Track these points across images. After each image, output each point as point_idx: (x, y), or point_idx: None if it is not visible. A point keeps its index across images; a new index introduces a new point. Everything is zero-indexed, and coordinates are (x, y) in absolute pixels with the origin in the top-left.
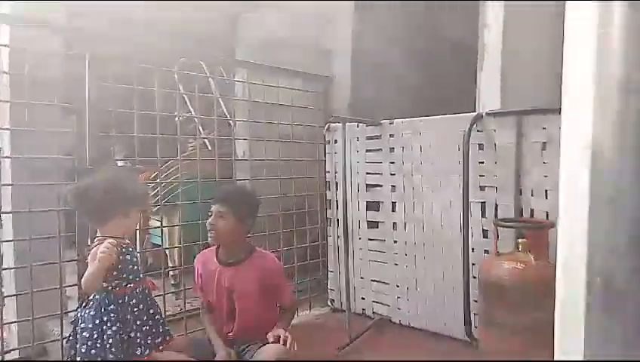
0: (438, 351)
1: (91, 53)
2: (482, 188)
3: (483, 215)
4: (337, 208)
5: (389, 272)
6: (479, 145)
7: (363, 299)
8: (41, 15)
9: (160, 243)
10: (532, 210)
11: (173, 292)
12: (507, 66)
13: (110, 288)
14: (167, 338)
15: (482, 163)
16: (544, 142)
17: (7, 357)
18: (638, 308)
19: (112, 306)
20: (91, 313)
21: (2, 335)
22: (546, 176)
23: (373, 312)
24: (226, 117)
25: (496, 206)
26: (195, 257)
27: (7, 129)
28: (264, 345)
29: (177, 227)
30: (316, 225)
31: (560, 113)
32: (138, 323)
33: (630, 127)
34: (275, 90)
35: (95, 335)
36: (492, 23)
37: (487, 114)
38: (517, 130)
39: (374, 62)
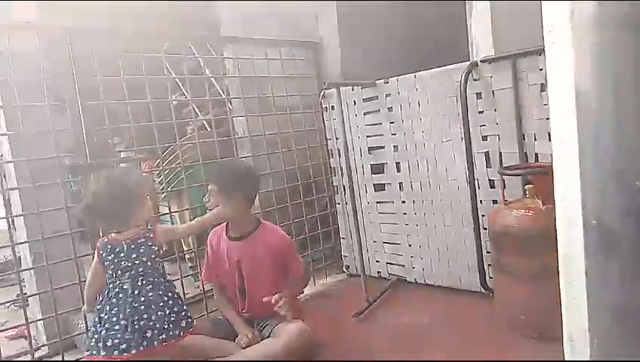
0: (455, 305)
1: (74, 49)
2: (485, 137)
3: (488, 165)
4: (342, 175)
5: (401, 232)
6: (477, 93)
7: (377, 261)
8: (20, 15)
9: None
10: (537, 155)
11: (191, 275)
12: (497, 8)
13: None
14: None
15: (482, 112)
16: (542, 84)
17: (37, 354)
18: (631, 248)
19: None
20: (158, 292)
21: (30, 333)
22: (547, 119)
23: (389, 274)
24: (220, 96)
25: (500, 154)
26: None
27: (4, 134)
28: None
29: (187, 211)
30: (323, 193)
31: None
32: (175, 303)
33: (607, 63)
34: (265, 62)
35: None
36: None
37: (482, 61)
38: (513, 74)
39: (362, 22)
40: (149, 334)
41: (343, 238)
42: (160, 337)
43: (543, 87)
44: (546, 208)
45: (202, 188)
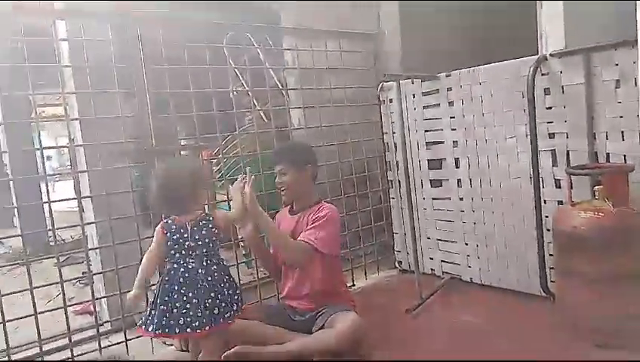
0: (513, 308)
1: (143, 38)
2: (551, 135)
3: (554, 164)
4: (398, 169)
5: (457, 230)
6: (545, 89)
7: (431, 258)
8: (91, 4)
9: None
10: (608, 154)
11: (244, 262)
12: (570, 2)
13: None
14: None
15: (550, 108)
16: (617, 80)
17: (101, 329)
18: None
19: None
20: (218, 275)
21: (95, 309)
22: (621, 117)
23: (443, 272)
24: (279, 87)
25: (568, 153)
26: None
27: (76, 119)
28: (336, 313)
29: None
30: (378, 187)
31: (634, 46)
32: (232, 284)
33: None
34: (324, 54)
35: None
36: None
37: (552, 55)
38: (586, 70)
39: (424, 13)
40: (216, 311)
41: (397, 233)
42: (226, 315)
43: (618, 84)
44: (617, 210)
45: (258, 177)
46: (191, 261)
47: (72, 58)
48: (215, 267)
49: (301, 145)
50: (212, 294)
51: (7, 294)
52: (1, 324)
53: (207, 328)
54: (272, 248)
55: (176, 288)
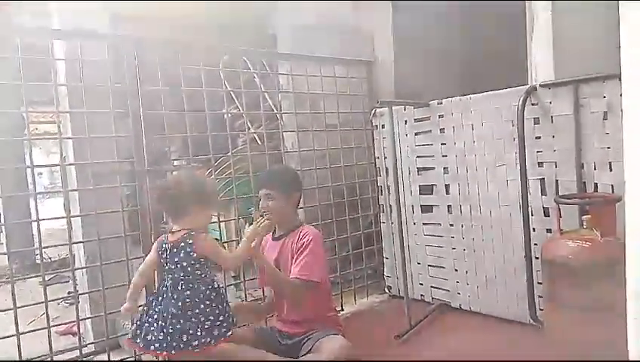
0: (502, 336)
1: (140, 58)
2: (540, 164)
3: (543, 192)
4: (389, 194)
5: (447, 256)
6: (534, 119)
7: (421, 284)
8: (89, 25)
9: (219, 238)
10: (596, 185)
11: (233, 284)
12: (559, 33)
13: (204, 276)
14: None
15: (539, 138)
16: (605, 112)
17: (84, 351)
18: None
19: (208, 292)
20: (195, 299)
21: (79, 330)
22: (609, 148)
23: (432, 298)
24: (273, 110)
25: (557, 182)
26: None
27: (68, 138)
28: (323, 337)
29: (234, 221)
30: (369, 212)
31: (621, 79)
32: (213, 311)
33: None
34: (319, 79)
35: (203, 318)
36: None
37: (542, 85)
38: (574, 101)
39: (418, 41)
40: (183, 338)
41: (387, 258)
42: (192, 343)
43: (606, 115)
44: (604, 240)
45: (250, 198)
46: (168, 283)
47: (69, 76)
48: (188, 292)
49: (290, 172)
50: (181, 320)
51: None
52: None
53: (166, 352)
54: (266, 284)
55: (153, 305)
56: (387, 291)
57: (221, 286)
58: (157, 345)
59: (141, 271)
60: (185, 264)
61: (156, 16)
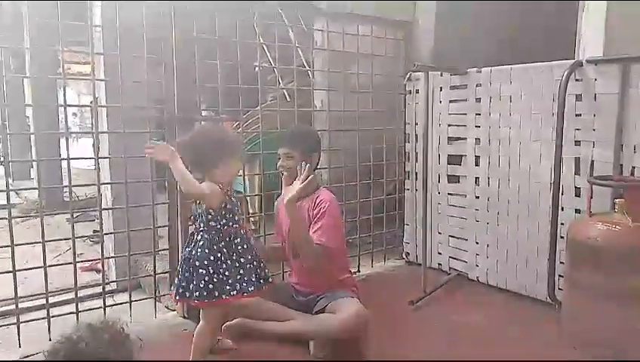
0: (517, 311)
1: (175, 5)
2: (577, 142)
3: (577, 172)
4: (416, 161)
5: (469, 228)
6: (577, 95)
7: (440, 253)
8: None
9: (242, 191)
10: (633, 168)
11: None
12: (613, 10)
13: (219, 227)
14: (270, 280)
15: (579, 115)
16: None
17: (107, 288)
18: None
19: (222, 244)
20: (205, 250)
21: (103, 267)
22: None
23: (450, 268)
24: (305, 67)
25: (592, 162)
26: (274, 204)
27: (101, 80)
28: (339, 298)
29: (258, 175)
30: (394, 177)
31: None
32: (242, 261)
33: None
34: (355, 38)
35: (212, 271)
36: None
37: (588, 61)
38: (621, 80)
39: (461, 7)
40: (191, 287)
41: (407, 225)
42: (215, 293)
43: None
44: (635, 226)
45: (275, 155)
46: (199, 230)
47: (104, 19)
48: (202, 242)
49: (311, 133)
50: (190, 269)
51: (19, 244)
52: (12, 273)
53: (197, 301)
54: (286, 240)
55: (187, 254)
56: (405, 257)
57: (247, 241)
58: (180, 292)
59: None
60: (202, 215)
61: None
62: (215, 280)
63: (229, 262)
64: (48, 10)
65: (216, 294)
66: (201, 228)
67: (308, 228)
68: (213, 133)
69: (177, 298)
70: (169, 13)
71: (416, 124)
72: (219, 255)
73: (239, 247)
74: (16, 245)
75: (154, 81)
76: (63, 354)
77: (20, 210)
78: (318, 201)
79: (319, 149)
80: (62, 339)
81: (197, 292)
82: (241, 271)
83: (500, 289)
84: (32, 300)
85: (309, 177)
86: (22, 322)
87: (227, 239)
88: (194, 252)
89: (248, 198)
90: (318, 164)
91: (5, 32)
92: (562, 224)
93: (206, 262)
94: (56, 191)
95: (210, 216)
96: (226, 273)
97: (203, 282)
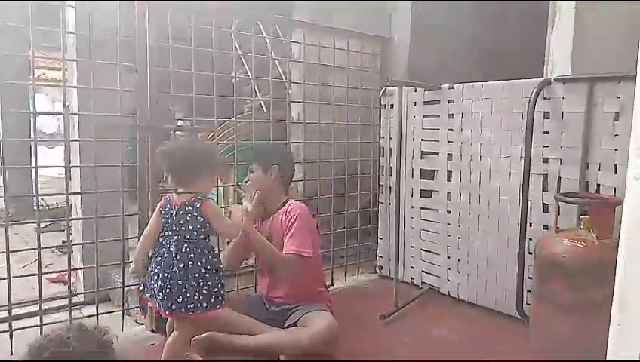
0: (486, 326)
1: (151, 13)
2: (545, 159)
3: (544, 188)
4: (390, 175)
5: (441, 243)
6: (545, 113)
7: (412, 268)
8: None
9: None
10: (598, 185)
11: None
12: (581, 30)
13: (207, 240)
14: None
15: (547, 133)
16: (617, 112)
17: (74, 300)
18: None
19: (210, 255)
20: (197, 263)
21: (70, 279)
22: (616, 150)
23: (422, 282)
24: (282, 78)
25: (559, 179)
26: None
27: (73, 86)
28: (311, 311)
29: (232, 187)
30: (368, 191)
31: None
32: (221, 272)
33: None
34: (331, 51)
35: (202, 283)
36: None
37: (556, 80)
38: (588, 99)
39: (436, 24)
40: (179, 300)
41: (381, 238)
42: (188, 306)
43: (618, 116)
44: (599, 242)
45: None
46: (172, 243)
47: (78, 24)
48: (192, 255)
49: (273, 147)
50: (180, 282)
51: None
52: None
53: (167, 312)
54: (258, 258)
55: (153, 266)
56: (378, 271)
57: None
58: (157, 305)
59: (144, 235)
60: (191, 227)
61: None
62: (204, 291)
63: (213, 271)
64: (21, 16)
65: (212, 302)
66: (186, 240)
67: (281, 239)
68: (197, 143)
69: (165, 312)
70: (144, 19)
71: (390, 138)
72: (208, 267)
73: (217, 259)
74: None
75: (128, 90)
76: (50, 352)
77: None
78: (289, 210)
79: (284, 162)
80: (50, 336)
81: (191, 305)
82: (222, 282)
83: (470, 304)
84: None
85: (259, 197)
86: None
87: (212, 251)
88: (182, 265)
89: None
90: (289, 177)
91: None
92: (530, 239)
93: (197, 275)
94: (27, 200)
95: (203, 230)
96: (218, 284)
97: (197, 294)
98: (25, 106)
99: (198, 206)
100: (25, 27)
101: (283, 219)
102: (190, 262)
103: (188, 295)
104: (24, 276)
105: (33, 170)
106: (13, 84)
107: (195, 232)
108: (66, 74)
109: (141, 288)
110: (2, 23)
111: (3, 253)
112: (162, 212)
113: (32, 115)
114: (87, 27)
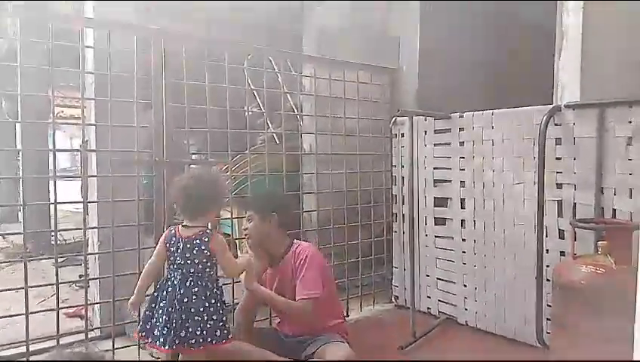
0: (506, 355)
1: (167, 51)
2: (559, 185)
3: (560, 214)
4: (403, 203)
5: (457, 271)
6: (556, 139)
7: (429, 297)
8: (120, 17)
9: (230, 233)
10: (614, 210)
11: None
12: (589, 54)
13: (213, 274)
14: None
15: (559, 158)
16: (629, 137)
17: (90, 334)
18: None
19: (215, 289)
20: (202, 297)
21: (87, 314)
22: (630, 174)
23: (439, 311)
24: (294, 111)
25: (574, 205)
26: None
27: (92, 124)
28: (327, 342)
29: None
30: (382, 220)
31: None
32: (225, 306)
33: None
34: (341, 83)
35: (207, 317)
36: (573, 6)
37: (566, 106)
38: (599, 124)
39: (444, 52)
40: (182, 334)
41: (396, 268)
42: (191, 341)
43: (630, 141)
44: (618, 268)
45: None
46: (177, 277)
47: (96, 64)
48: (197, 289)
49: (270, 194)
50: (183, 316)
51: (2, 290)
52: None
53: (167, 347)
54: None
55: (158, 299)
56: (394, 301)
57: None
58: (161, 340)
59: (148, 268)
60: (197, 261)
61: (185, 9)
62: (209, 326)
63: (218, 304)
64: (42, 56)
65: (217, 336)
66: (191, 273)
67: (293, 282)
68: (207, 177)
69: (169, 347)
70: (160, 57)
71: (402, 166)
72: (213, 301)
73: (221, 292)
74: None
75: (144, 126)
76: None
77: (6, 254)
78: (297, 253)
79: (282, 209)
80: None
81: (193, 340)
82: (226, 316)
83: (489, 334)
84: (12, 348)
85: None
86: None
87: (216, 284)
88: (185, 299)
89: (237, 241)
90: (288, 223)
91: None
92: (548, 266)
93: (201, 309)
94: (45, 235)
95: (209, 263)
96: (223, 318)
97: (199, 328)
98: (44, 143)
99: (206, 240)
100: (45, 68)
101: (293, 262)
102: (194, 297)
103: (190, 329)
104: (42, 311)
105: (51, 206)
106: (33, 122)
107: (200, 265)
108: (84, 112)
109: (139, 329)
110: (24, 66)
111: (21, 288)
112: (167, 244)
113: (50, 152)
114: (105, 67)
